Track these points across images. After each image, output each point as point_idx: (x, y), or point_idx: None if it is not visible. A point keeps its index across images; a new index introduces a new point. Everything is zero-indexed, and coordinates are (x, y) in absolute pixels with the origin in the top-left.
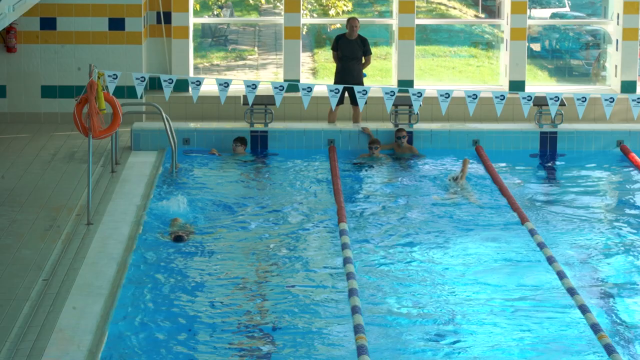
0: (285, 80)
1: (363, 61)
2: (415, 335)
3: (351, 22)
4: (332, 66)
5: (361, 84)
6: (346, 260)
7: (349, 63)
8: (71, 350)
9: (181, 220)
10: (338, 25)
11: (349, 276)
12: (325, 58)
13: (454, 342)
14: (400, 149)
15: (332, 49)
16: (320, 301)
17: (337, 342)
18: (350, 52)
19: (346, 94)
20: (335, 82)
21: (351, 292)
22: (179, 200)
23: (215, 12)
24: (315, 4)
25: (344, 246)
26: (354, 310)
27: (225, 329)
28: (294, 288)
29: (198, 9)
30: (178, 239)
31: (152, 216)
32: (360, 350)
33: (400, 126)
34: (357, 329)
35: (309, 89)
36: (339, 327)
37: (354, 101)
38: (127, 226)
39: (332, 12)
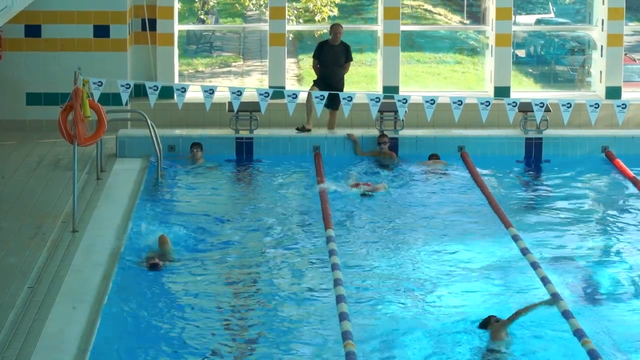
0: (270, 87)
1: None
2: (403, 341)
3: (334, 28)
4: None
5: (342, 89)
6: (333, 267)
7: (332, 69)
8: (57, 357)
9: (167, 243)
10: (325, 31)
11: (336, 282)
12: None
13: (439, 347)
14: (381, 155)
15: (314, 56)
16: (308, 308)
17: (324, 350)
18: (333, 58)
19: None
20: (318, 88)
21: (339, 299)
22: (161, 213)
23: (201, 17)
24: (300, 10)
25: (331, 253)
26: (342, 317)
27: (211, 338)
28: (279, 295)
29: (186, 14)
30: (153, 266)
31: (135, 228)
32: (349, 357)
33: (384, 132)
34: (345, 336)
35: (294, 95)
36: (327, 334)
37: (333, 105)
38: (112, 234)
39: (317, 17)
